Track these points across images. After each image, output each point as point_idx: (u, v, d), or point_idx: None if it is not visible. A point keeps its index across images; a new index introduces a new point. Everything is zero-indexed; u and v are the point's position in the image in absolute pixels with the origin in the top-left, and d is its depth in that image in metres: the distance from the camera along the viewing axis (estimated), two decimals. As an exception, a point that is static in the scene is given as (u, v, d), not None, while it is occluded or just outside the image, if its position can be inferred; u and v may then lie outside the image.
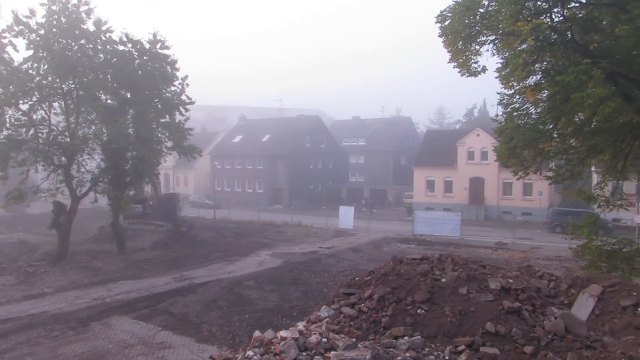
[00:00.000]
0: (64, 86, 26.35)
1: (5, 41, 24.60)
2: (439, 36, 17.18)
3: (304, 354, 7.79)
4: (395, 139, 72.29)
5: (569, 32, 15.31)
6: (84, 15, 25.88)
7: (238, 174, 66.85)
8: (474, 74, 17.28)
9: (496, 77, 16.71)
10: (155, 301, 19.02)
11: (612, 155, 17.52)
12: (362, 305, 9.91)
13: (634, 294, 9.69)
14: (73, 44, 26.04)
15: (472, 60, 17.04)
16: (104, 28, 26.73)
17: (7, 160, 25.01)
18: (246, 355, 8.01)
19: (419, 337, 8.39)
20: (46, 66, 25.60)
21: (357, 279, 11.67)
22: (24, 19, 24.46)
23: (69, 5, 25.25)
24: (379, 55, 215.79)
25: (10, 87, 24.61)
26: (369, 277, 11.22)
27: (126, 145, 27.00)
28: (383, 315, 9.26)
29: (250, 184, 66.06)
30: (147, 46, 28.10)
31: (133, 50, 27.92)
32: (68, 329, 16.00)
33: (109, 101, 28.37)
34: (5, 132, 25.43)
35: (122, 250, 29.67)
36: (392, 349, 7.86)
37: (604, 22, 15.80)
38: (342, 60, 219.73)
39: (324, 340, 8.27)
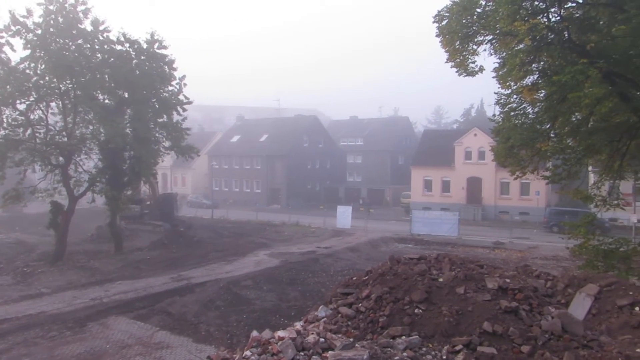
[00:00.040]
0: (61, 86, 26.30)
1: (2, 41, 24.55)
2: (437, 36, 17.20)
3: (302, 353, 7.80)
4: (393, 138, 72.34)
5: (566, 32, 15.34)
6: (81, 15, 25.84)
7: (236, 174, 66.81)
8: (472, 73, 17.30)
9: (493, 77, 16.73)
10: (152, 301, 19.00)
11: (609, 155, 17.56)
12: (360, 305, 9.92)
13: (631, 293, 9.72)
14: (70, 43, 25.99)
15: (470, 60, 17.06)
16: (101, 28, 26.69)
17: (4, 160, 24.94)
18: (244, 355, 8.01)
19: (417, 336, 8.41)
20: (43, 66, 25.53)
21: (354, 278, 11.67)
22: (21, 19, 24.40)
23: (66, 5, 25.20)
24: (377, 55, 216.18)
25: (8, 86, 24.52)
26: (366, 277, 11.23)
27: (124, 145, 26.96)
28: (380, 315, 9.27)
29: (248, 183, 66.02)
30: (145, 46, 28.06)
31: (130, 50, 27.87)
32: (65, 329, 15.98)
33: (106, 101, 28.33)
34: (2, 132, 25.41)
35: (120, 250, 29.63)
36: (389, 349, 7.87)
37: (601, 22, 15.84)
38: (340, 60, 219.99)
39: (322, 340, 8.28)
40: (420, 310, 9.07)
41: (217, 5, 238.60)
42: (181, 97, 29.73)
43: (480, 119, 75.07)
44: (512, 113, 17.32)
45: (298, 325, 9.87)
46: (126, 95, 28.23)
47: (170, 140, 30.10)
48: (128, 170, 28.82)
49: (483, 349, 7.81)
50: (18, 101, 25.57)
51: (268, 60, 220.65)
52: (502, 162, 18.97)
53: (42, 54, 25.14)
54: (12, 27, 24.33)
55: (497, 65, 16.72)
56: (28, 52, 25.07)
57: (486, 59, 17.58)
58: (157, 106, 28.92)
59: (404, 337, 8.43)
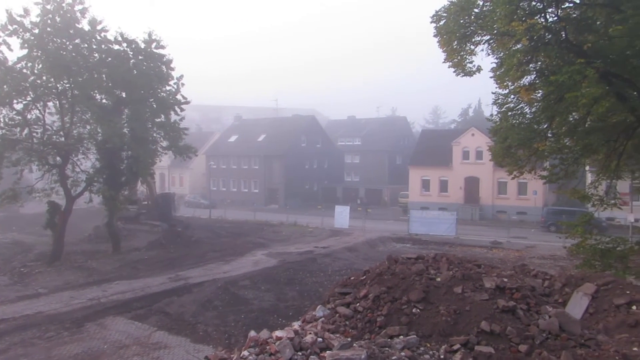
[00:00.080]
0: (58, 85, 26.22)
1: (-1, 40, 24.48)
2: (434, 36, 17.24)
3: (300, 353, 7.80)
4: (391, 138, 72.38)
5: (563, 32, 15.39)
6: (78, 14, 25.77)
7: (233, 174, 66.77)
8: (469, 73, 17.36)
9: (491, 77, 16.80)
10: (150, 301, 18.96)
11: (606, 154, 17.63)
12: (358, 304, 9.93)
13: (628, 292, 9.75)
14: (68, 43, 25.91)
15: (467, 60, 17.12)
16: (98, 27, 26.62)
17: (1, 160, 24.83)
18: (241, 355, 8.01)
19: (414, 336, 8.42)
20: (40, 65, 25.46)
21: (352, 278, 11.67)
22: (18, 18, 24.31)
23: (64, 5, 25.11)
24: (375, 55, 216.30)
25: (4, 86, 24.43)
26: (364, 277, 11.23)
27: (121, 144, 26.90)
28: (378, 315, 9.28)
29: (246, 183, 65.98)
30: (142, 45, 27.99)
31: (128, 49, 27.80)
32: (63, 329, 15.92)
33: (104, 101, 28.25)
34: (-1, 132, 25.31)
35: (118, 250, 29.57)
36: (387, 348, 7.88)
37: (598, 22, 15.91)
38: (338, 60, 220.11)
39: (320, 339, 8.28)
40: (418, 310, 9.08)
41: (215, 6, 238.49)
42: (179, 96, 29.67)
43: (478, 118, 75.20)
44: (510, 113, 17.37)
45: (296, 325, 9.87)
46: (124, 95, 28.17)
47: (168, 140, 30.04)
48: (125, 170, 28.75)
49: (481, 349, 7.82)
50: (15, 101, 25.49)
51: (266, 61, 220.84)
52: (499, 161, 19.02)
53: (39, 54, 25.06)
54: (9, 27, 24.25)
55: (494, 65, 16.78)
56: (25, 51, 24.99)
57: (484, 59, 17.66)
58: (154, 106, 28.86)
59: (401, 336, 8.44)
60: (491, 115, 19.15)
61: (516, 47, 15.43)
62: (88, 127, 28.08)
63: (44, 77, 25.80)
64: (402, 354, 7.74)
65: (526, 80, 16.56)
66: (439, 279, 10.03)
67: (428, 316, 8.89)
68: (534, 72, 16.68)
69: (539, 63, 16.50)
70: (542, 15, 15.63)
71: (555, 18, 15.84)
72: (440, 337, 8.37)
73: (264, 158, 63.28)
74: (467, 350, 7.89)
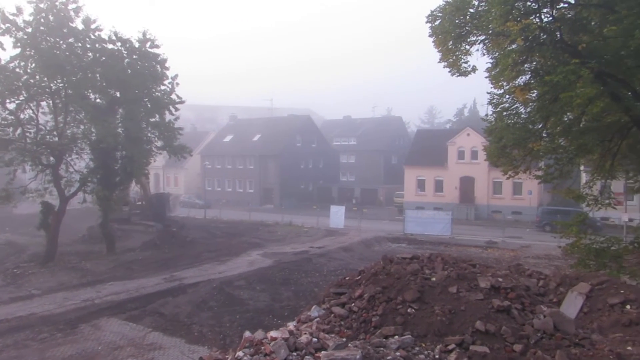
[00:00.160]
0: (52, 85, 26.11)
1: (-9, 39, 24.31)
2: (430, 36, 17.26)
3: (294, 354, 7.76)
4: (386, 138, 72.46)
5: (558, 33, 15.42)
6: (72, 13, 25.67)
7: (229, 174, 66.65)
8: (464, 73, 17.38)
9: (486, 77, 16.83)
10: (145, 302, 18.88)
11: (601, 154, 17.69)
12: (353, 304, 9.89)
13: (622, 291, 9.77)
14: (61, 42, 25.79)
15: (462, 60, 17.16)
16: (92, 26, 26.53)
17: (-6, 160, 24.73)
18: (236, 355, 7.96)
19: (409, 336, 8.39)
20: (34, 65, 25.33)
21: (347, 278, 11.64)
22: (11, 17, 24.19)
23: (57, 3, 25.02)
24: (370, 55, 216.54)
25: (-3, 86, 24.32)
26: (359, 277, 11.20)
27: (115, 144, 26.80)
28: (373, 315, 9.25)
29: (241, 183, 65.87)
30: (137, 45, 27.91)
31: (122, 49, 27.72)
32: (56, 331, 15.84)
33: (97, 100, 28.13)
34: (-8, 132, 25.14)
35: (112, 251, 29.44)
36: (382, 348, 7.85)
37: (593, 23, 15.94)
38: (333, 60, 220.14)
39: (315, 340, 8.24)
40: (413, 310, 9.06)
41: (209, 5, 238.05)
42: (173, 96, 29.60)
43: (473, 118, 75.41)
44: (505, 113, 17.40)
45: (291, 325, 9.83)
46: (118, 94, 28.05)
47: (162, 140, 29.94)
48: (120, 170, 28.66)
49: (476, 348, 7.81)
50: (8, 100, 25.35)
51: (261, 60, 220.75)
52: (494, 161, 19.05)
53: (32, 53, 24.94)
54: (2, 25, 24.13)
55: (489, 65, 16.83)
56: (18, 50, 24.86)
57: (479, 59, 17.70)
58: (149, 105, 28.78)
59: (396, 336, 8.42)
60: (486, 115, 19.17)
61: (511, 47, 15.47)
62: (82, 126, 27.95)
63: (37, 77, 25.68)
64: (397, 354, 7.72)
65: (521, 80, 16.60)
66: (434, 279, 10.01)
67: (423, 316, 8.87)
68: (529, 72, 16.72)
69: (534, 63, 16.54)
70: (537, 15, 15.66)
71: (550, 18, 15.88)
72: (435, 336, 8.36)
73: (259, 158, 63.20)
74: (462, 350, 7.88)
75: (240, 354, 7.92)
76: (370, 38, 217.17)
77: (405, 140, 75.11)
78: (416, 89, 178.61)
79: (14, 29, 24.34)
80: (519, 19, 14.43)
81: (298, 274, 23.60)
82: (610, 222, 36.33)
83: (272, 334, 8.40)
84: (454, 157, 49.84)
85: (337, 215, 41.03)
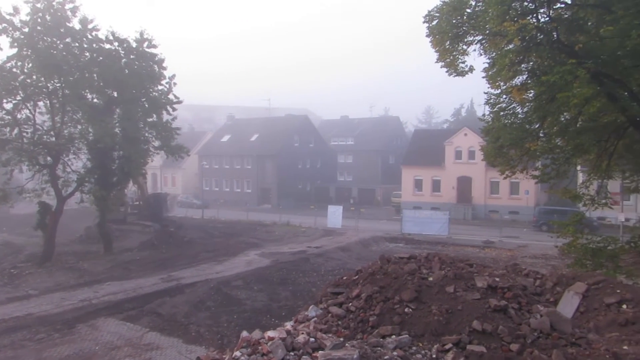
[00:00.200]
0: (49, 85, 26.02)
1: (-12, 39, 24.29)
2: (427, 36, 17.29)
3: (292, 353, 7.77)
4: (384, 138, 72.49)
5: (554, 33, 15.46)
6: (69, 13, 25.58)
7: (226, 174, 66.59)
8: (461, 73, 17.42)
9: (483, 77, 16.86)
10: (142, 302, 18.86)
11: (597, 154, 17.75)
12: (350, 304, 9.91)
13: (618, 291, 9.80)
14: (58, 42, 25.72)
15: (460, 60, 17.19)
16: (89, 26, 26.44)
17: (-10, 160, 24.66)
18: (233, 355, 7.96)
19: (407, 335, 8.41)
20: (31, 65, 25.25)
21: (345, 278, 11.65)
22: (8, 17, 24.11)
23: (54, 3, 24.92)
24: (368, 55, 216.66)
25: (-6, 85, 24.24)
26: (356, 277, 11.21)
27: (113, 144, 26.74)
28: (371, 314, 9.27)
29: (239, 183, 65.82)
30: (134, 45, 27.85)
31: (119, 48, 27.65)
32: (54, 331, 15.80)
33: (95, 100, 28.06)
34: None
35: (109, 251, 29.38)
36: (379, 348, 7.87)
37: (589, 23, 15.99)
38: (331, 60, 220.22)
39: (312, 339, 8.25)
40: (410, 310, 9.07)
41: (207, 5, 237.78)
42: (171, 96, 29.55)
43: (471, 118, 75.50)
44: (502, 113, 17.43)
45: (288, 325, 9.83)
46: (115, 94, 27.99)
47: (160, 140, 29.88)
48: (117, 170, 28.59)
49: (472, 348, 7.83)
50: (4, 100, 25.24)
51: (259, 60, 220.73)
52: (491, 161, 19.09)
53: (29, 53, 24.86)
54: (-1, 25, 24.04)
55: (486, 65, 16.84)
56: (15, 50, 24.77)
57: (476, 59, 17.73)
58: (146, 105, 28.72)
59: (394, 336, 8.43)
60: (483, 115, 19.24)
61: (508, 47, 15.49)
62: (79, 126, 27.87)
63: (34, 77, 25.60)
64: (395, 353, 7.73)
65: (518, 80, 16.63)
66: (431, 279, 10.03)
67: (420, 316, 8.88)
68: (526, 72, 16.75)
69: (531, 63, 16.57)
70: (534, 15, 15.69)
71: (547, 18, 15.91)
72: (433, 336, 8.37)
73: (256, 158, 63.16)
74: (459, 349, 7.90)
75: (237, 353, 7.93)
76: (368, 38, 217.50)
77: (402, 140, 75.16)
78: (414, 88, 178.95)
79: (10, 28, 24.26)
80: (516, 19, 14.45)
81: (295, 274, 23.61)
82: (607, 221, 36.42)
83: (270, 333, 8.41)
84: (452, 157, 49.90)
85: (334, 215, 41.04)
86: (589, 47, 14.50)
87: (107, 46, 27.32)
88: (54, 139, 26.55)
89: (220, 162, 67.21)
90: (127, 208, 39.64)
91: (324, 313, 10.00)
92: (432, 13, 16.97)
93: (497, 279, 10.05)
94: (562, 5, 16.58)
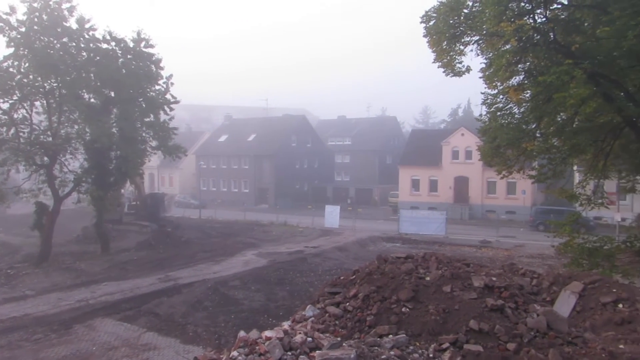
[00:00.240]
0: (45, 85, 25.97)
1: (-16, 39, 24.18)
2: (424, 36, 17.31)
3: (289, 353, 7.78)
4: (381, 138, 72.55)
5: (551, 33, 15.51)
6: (66, 12, 25.55)
7: (224, 174, 66.52)
8: (459, 74, 17.45)
9: (480, 77, 16.89)
10: (139, 302, 18.83)
11: (594, 154, 17.81)
12: (347, 304, 9.92)
13: (614, 290, 9.84)
14: (55, 41, 25.66)
15: (457, 61, 17.22)
16: (87, 26, 26.40)
17: (-13, 161, 24.59)
18: (231, 355, 7.96)
19: (404, 335, 8.42)
20: (27, 64, 25.20)
21: (342, 278, 11.66)
22: (4, 16, 24.08)
23: (51, 3, 24.89)
24: (365, 55, 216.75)
25: (-10, 85, 24.17)
26: (354, 276, 11.22)
27: (110, 144, 26.69)
28: (368, 314, 9.28)
29: (236, 183, 65.77)
30: (131, 44, 27.80)
31: (117, 48, 27.61)
32: (51, 331, 15.77)
33: (92, 100, 28.01)
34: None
35: (106, 251, 29.34)
36: (376, 348, 7.88)
37: (586, 24, 16.04)
38: (328, 60, 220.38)
39: (309, 339, 8.26)
40: (408, 309, 9.09)
41: (204, 5, 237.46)
42: (168, 96, 29.53)
43: (468, 118, 75.68)
44: (499, 113, 17.46)
45: (285, 325, 9.84)
46: (112, 94, 27.94)
47: (157, 140, 29.84)
48: (114, 170, 28.54)
49: (469, 347, 7.85)
50: (1, 100, 25.19)
51: (256, 60, 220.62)
52: (488, 161, 19.13)
53: (26, 52, 24.81)
54: (-5, 25, 23.98)
55: (483, 65, 16.89)
56: (11, 50, 24.72)
57: (473, 59, 17.81)
58: (143, 105, 28.68)
59: (391, 335, 8.45)
60: (480, 115, 19.24)
61: (505, 48, 15.52)
62: (76, 126, 27.83)
63: (31, 76, 25.55)
64: (392, 353, 7.75)
65: (515, 80, 16.67)
66: (428, 278, 10.05)
67: (417, 315, 8.90)
68: (523, 73, 16.79)
69: (528, 64, 16.61)
70: (531, 16, 15.74)
71: (544, 19, 15.96)
72: (430, 336, 8.40)
73: (254, 158, 63.12)
74: (456, 348, 7.92)
75: (234, 353, 7.93)
76: (366, 38, 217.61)
77: (399, 140, 75.24)
78: (411, 89, 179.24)
79: (7, 28, 24.21)
80: (512, 19, 14.49)
81: (293, 274, 23.61)
82: (603, 221, 36.55)
83: (267, 333, 8.41)
84: (448, 157, 49.96)
85: (332, 215, 41.05)
86: (585, 48, 14.54)
87: (104, 46, 27.29)
88: (50, 138, 26.50)
89: (218, 162, 67.14)
90: (122, 208, 39.54)
91: (322, 313, 10.01)
92: (429, 13, 16.99)
93: (494, 279, 10.07)
94: (559, 6, 16.63)
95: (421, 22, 17.27)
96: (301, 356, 7.72)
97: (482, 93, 17.54)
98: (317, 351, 7.75)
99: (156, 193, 48.80)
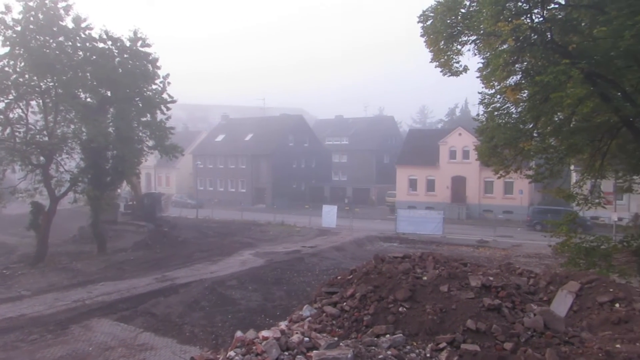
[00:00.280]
0: (41, 84, 25.86)
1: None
2: (421, 36, 17.30)
3: (286, 353, 7.76)
4: (378, 138, 72.58)
5: (548, 33, 15.51)
6: (62, 11, 25.44)
7: (221, 174, 66.44)
8: (456, 73, 17.44)
9: (477, 77, 16.88)
10: (136, 302, 18.77)
11: (591, 154, 17.83)
12: (344, 304, 9.90)
13: (611, 290, 9.86)
14: (51, 41, 25.56)
15: (454, 60, 17.20)
16: (83, 25, 26.32)
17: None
18: (228, 355, 7.93)
19: (401, 335, 8.41)
20: (23, 64, 25.08)
21: (339, 277, 11.64)
22: (0, 15, 23.93)
23: (47, 2, 24.77)
24: (362, 55, 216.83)
25: (-15, 85, 24.06)
26: (351, 276, 11.20)
27: (106, 144, 26.62)
28: (365, 314, 9.26)
29: (233, 183, 65.70)
30: (128, 44, 27.74)
31: (113, 47, 27.55)
32: (47, 332, 15.70)
33: (88, 99, 27.92)
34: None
35: (103, 251, 29.24)
36: (373, 347, 7.87)
37: (583, 24, 16.05)
38: (326, 60, 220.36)
39: (306, 339, 8.24)
40: (405, 309, 9.08)
41: (202, 4, 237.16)
42: (165, 95, 29.45)
43: (465, 118, 75.77)
44: (496, 113, 17.47)
45: (283, 324, 9.82)
46: (109, 93, 27.87)
47: (153, 140, 29.77)
48: (111, 169, 28.48)
49: (466, 347, 7.84)
50: (-3, 99, 25.09)
51: (253, 59, 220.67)
52: (486, 161, 19.13)
53: (21, 52, 24.69)
54: (-9, 24, 23.86)
55: (481, 65, 16.87)
56: (7, 49, 24.63)
57: (470, 59, 17.77)
58: (140, 105, 28.61)
59: (388, 335, 8.43)
60: (478, 115, 19.25)
61: (502, 48, 15.53)
62: (72, 126, 27.69)
63: (27, 76, 25.44)
64: (389, 352, 7.74)
65: (512, 80, 16.67)
66: (425, 278, 10.04)
67: (414, 315, 8.89)
68: (520, 72, 16.80)
69: (525, 63, 16.62)
70: (528, 16, 15.74)
71: (541, 19, 15.96)
72: (427, 335, 8.38)
73: (251, 157, 63.06)
74: (453, 348, 7.91)
75: (231, 353, 7.90)
76: (363, 38, 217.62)
77: (397, 139, 75.29)
78: (408, 88, 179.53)
79: (2, 27, 24.10)
80: (510, 19, 14.49)
81: (290, 274, 23.59)
82: (600, 221, 36.63)
83: (264, 333, 8.39)
84: (446, 156, 50.04)
85: (329, 215, 41.07)
86: (582, 48, 14.56)
87: (101, 45, 27.22)
88: (46, 138, 26.40)
89: (215, 161, 67.05)
90: (117, 208, 39.40)
91: (319, 312, 9.99)
92: (426, 13, 16.98)
93: (491, 278, 10.07)
94: (556, 6, 16.64)
95: (418, 22, 17.26)
96: (298, 356, 7.70)
97: (479, 93, 17.58)
98: (314, 351, 7.74)
99: (153, 193, 48.71)
